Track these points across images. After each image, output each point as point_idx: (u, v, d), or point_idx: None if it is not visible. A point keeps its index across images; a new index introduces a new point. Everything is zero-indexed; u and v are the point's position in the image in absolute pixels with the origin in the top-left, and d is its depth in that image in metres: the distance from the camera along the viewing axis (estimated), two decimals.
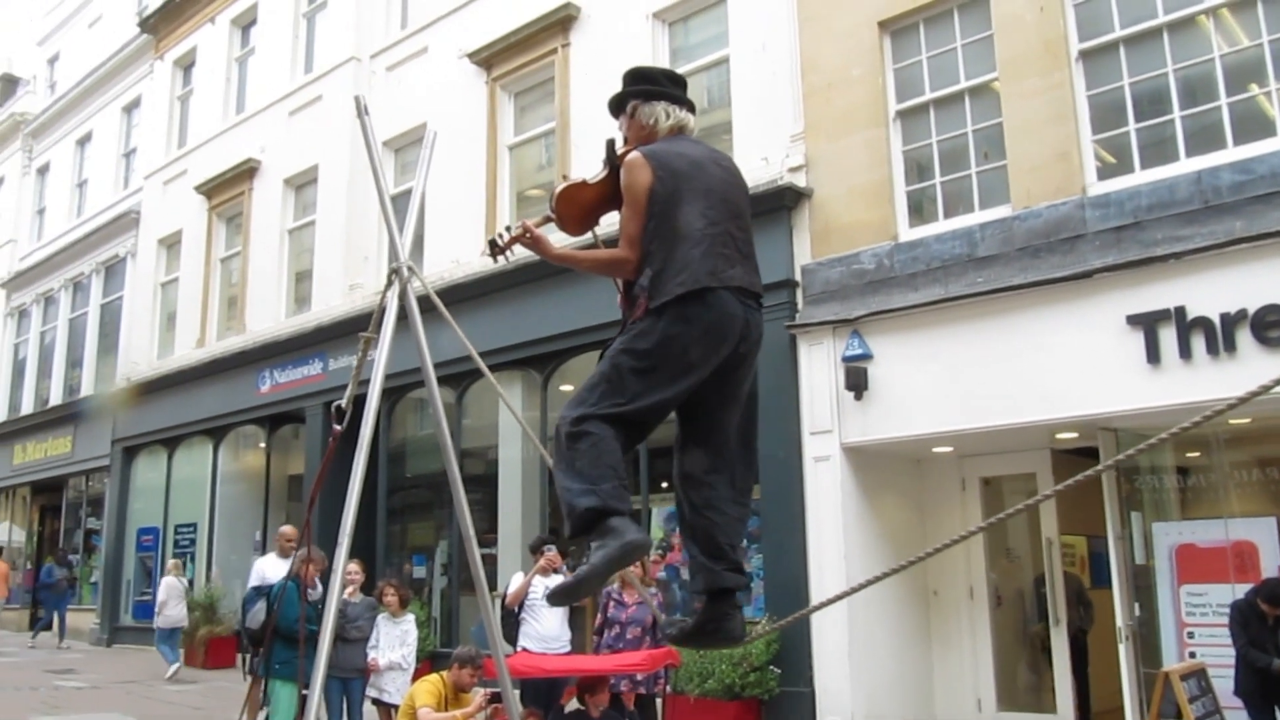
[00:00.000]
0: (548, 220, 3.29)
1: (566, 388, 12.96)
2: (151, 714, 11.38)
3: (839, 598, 3.14)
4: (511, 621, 8.09)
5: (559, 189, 3.27)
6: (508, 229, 3.26)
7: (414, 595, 11.00)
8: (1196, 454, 8.79)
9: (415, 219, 4.52)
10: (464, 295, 12.19)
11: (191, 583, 17.08)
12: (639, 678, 7.63)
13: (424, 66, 14.78)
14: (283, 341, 15.62)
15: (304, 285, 16.26)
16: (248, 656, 8.49)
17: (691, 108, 3.38)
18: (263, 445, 16.85)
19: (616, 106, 3.40)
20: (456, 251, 13.36)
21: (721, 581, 3.00)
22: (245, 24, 18.68)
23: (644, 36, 12.02)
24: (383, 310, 4.12)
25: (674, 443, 3.17)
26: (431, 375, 4.22)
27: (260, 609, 8.31)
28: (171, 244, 19.46)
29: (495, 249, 3.26)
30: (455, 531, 13.32)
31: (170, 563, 15.70)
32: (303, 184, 16.56)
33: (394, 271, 4.17)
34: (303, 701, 8.70)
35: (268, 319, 16.34)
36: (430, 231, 14.03)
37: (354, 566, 9.06)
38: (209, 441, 17.58)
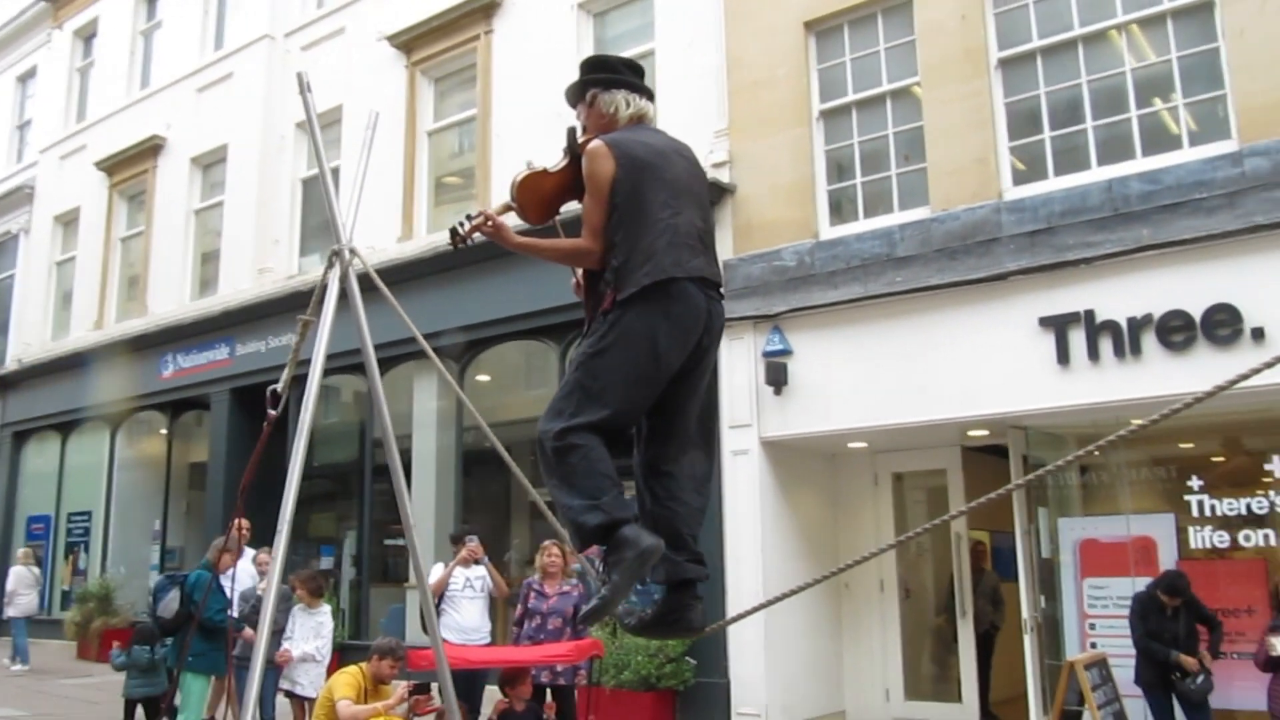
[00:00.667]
0: (508, 208, 3.24)
1: (483, 378, 12.88)
2: (45, 709, 10.98)
3: (783, 598, 3.16)
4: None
5: (520, 177, 3.22)
6: (469, 217, 3.19)
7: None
8: (1098, 453, 9.11)
9: (357, 200, 4.41)
10: (382, 280, 11.98)
11: (85, 573, 16.54)
12: (559, 669, 7.61)
13: (341, 47, 14.49)
14: (187, 325, 15.16)
15: (210, 267, 15.80)
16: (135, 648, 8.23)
17: (651, 96, 3.36)
18: (164, 432, 16.34)
19: (575, 94, 3.37)
20: (371, 238, 13.11)
21: (683, 572, 3.00)
22: None
23: (568, 27, 11.98)
24: (323, 292, 4.02)
25: (634, 433, 3.16)
26: (372, 358, 4.16)
27: (174, 598, 8.06)
28: (68, 221, 18.73)
29: (455, 237, 3.20)
30: (365, 522, 13.13)
31: (20, 551, 15.37)
32: (211, 163, 16.09)
33: (335, 253, 4.08)
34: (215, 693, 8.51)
35: (171, 302, 15.85)
36: (346, 218, 13.74)
37: (264, 557, 8.88)
38: (106, 427, 16.98)
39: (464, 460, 12.40)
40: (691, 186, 3.18)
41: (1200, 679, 7.16)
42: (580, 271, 3.38)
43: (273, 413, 4.20)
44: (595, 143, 3.09)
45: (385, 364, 12.54)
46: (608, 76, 3.32)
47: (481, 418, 4.36)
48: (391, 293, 4.43)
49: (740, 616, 3.48)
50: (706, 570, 3.08)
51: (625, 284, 2.93)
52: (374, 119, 4.66)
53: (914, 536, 3.15)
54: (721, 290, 3.16)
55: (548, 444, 2.90)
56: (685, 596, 3.04)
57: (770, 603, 3.32)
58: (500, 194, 12.03)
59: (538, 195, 3.24)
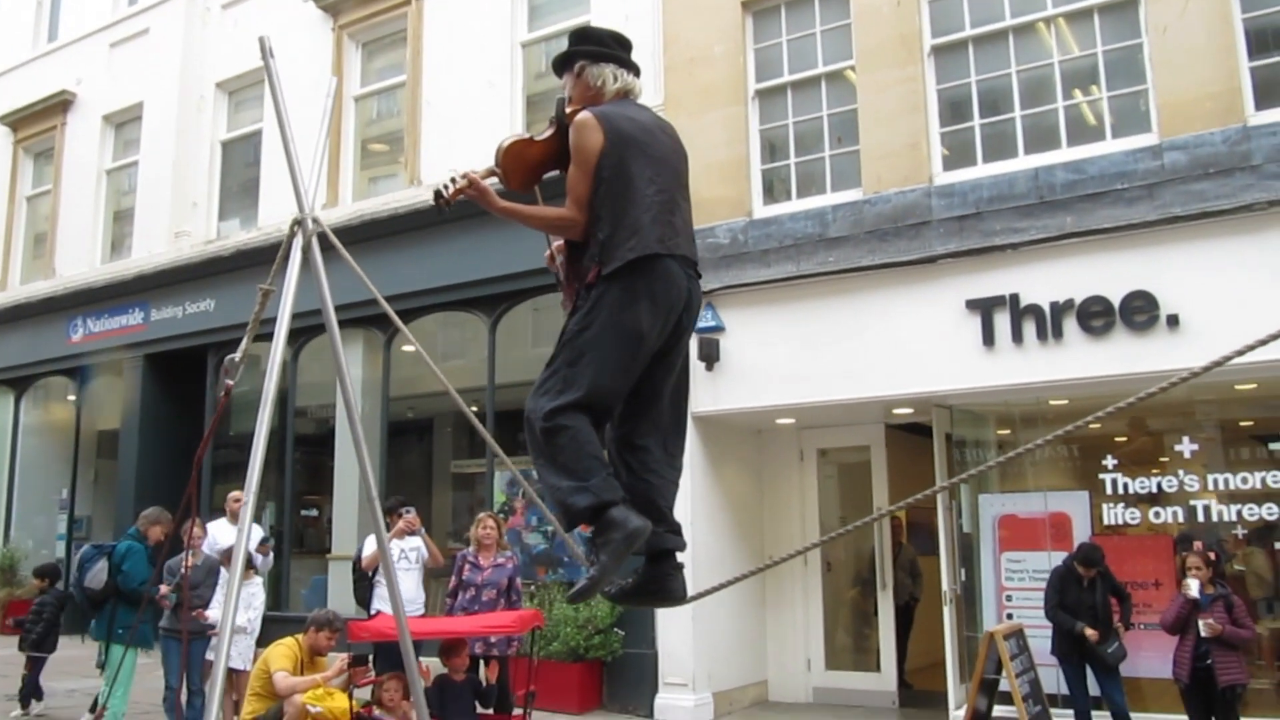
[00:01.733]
0: (492, 173, 3.24)
1: (408, 348, 12.75)
2: None
3: (766, 568, 3.26)
4: (365, 585, 7.96)
5: (506, 143, 3.23)
6: (453, 180, 3.16)
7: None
8: (1007, 431, 9.43)
9: (319, 169, 4.35)
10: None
11: None
12: (492, 640, 7.65)
13: (263, 6, 14.13)
14: (98, 289, 14.70)
15: (123, 229, 15.32)
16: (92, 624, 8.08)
17: (638, 72, 3.38)
18: (72, 398, 15.84)
19: (562, 65, 3.37)
20: (296, 205, 12.87)
21: (663, 543, 3.07)
22: None
23: None
24: (285, 261, 3.97)
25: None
26: (334, 325, 4.08)
27: (102, 568, 7.94)
28: None
29: (440, 199, 3.16)
30: (286, 493, 12.96)
31: None
32: (124, 122, 15.56)
33: (297, 222, 4.03)
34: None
35: (81, 264, 15.33)
36: (268, 183, 13.49)
37: (196, 530, 8.72)
38: (10, 392, 16.38)
39: (387, 427, 12.32)
40: (675, 165, 3.22)
41: (1114, 647, 7.51)
42: (555, 244, 3.43)
43: (229, 383, 4.13)
44: (584, 114, 3.10)
45: (309, 332, 12.35)
46: (596, 49, 3.32)
47: (450, 386, 4.29)
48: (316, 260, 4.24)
49: (720, 587, 3.56)
50: (684, 541, 3.15)
51: (611, 257, 2.97)
52: (332, 87, 4.60)
53: (878, 518, 3.27)
54: (699, 269, 3.22)
55: (536, 424, 2.92)
56: (666, 567, 3.11)
57: (757, 571, 3.42)
58: (430, 163, 11.97)
59: (522, 162, 3.25)
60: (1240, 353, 2.29)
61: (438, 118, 12.11)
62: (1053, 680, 8.02)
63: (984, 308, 8.38)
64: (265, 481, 13.73)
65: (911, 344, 8.63)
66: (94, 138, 15.65)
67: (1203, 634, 7.01)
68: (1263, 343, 2.25)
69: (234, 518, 9.25)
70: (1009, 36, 8.87)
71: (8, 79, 17.19)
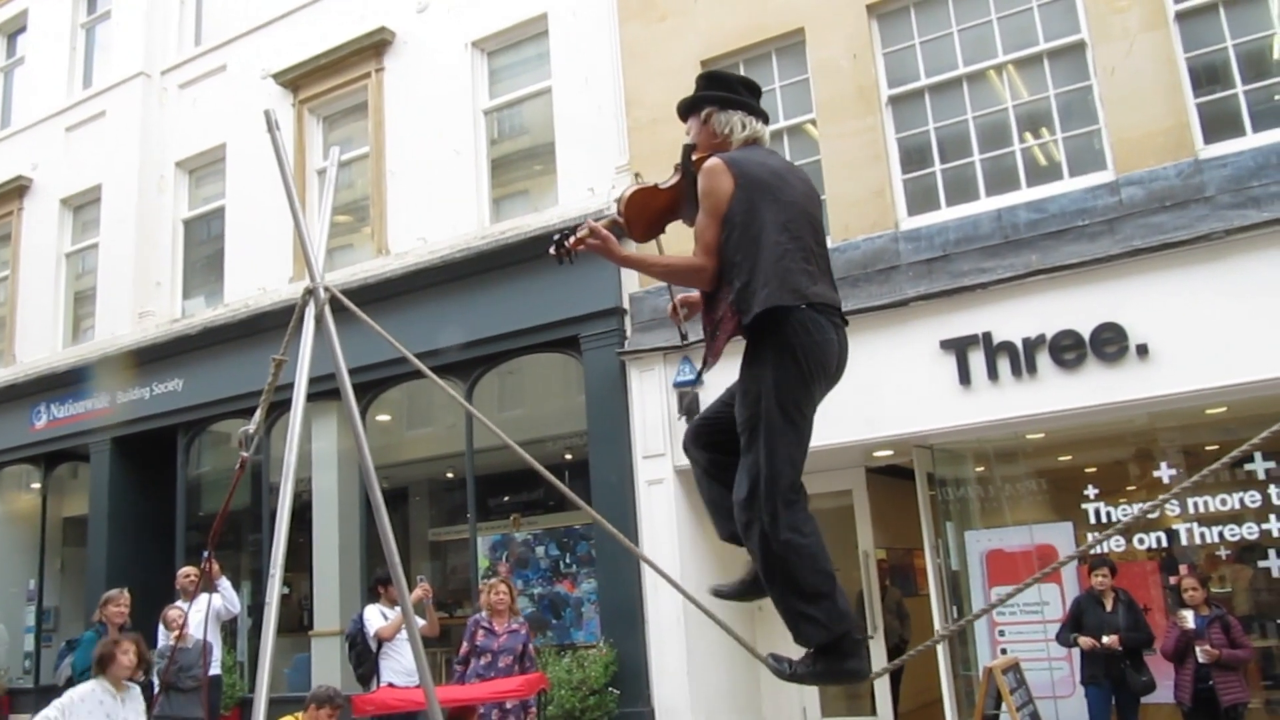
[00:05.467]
0: (614, 223, 3.15)
1: (383, 417, 12.71)
2: None
3: (979, 615, 3.25)
4: (370, 658, 7.85)
5: (629, 192, 3.14)
6: (572, 230, 3.09)
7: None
8: (982, 468, 9.56)
9: (323, 238, 4.39)
10: (273, 323, 11.76)
11: None
12: (508, 705, 7.54)
13: (222, 85, 14.18)
14: (61, 374, 14.50)
15: (84, 312, 15.17)
16: None
17: (766, 119, 3.30)
18: (37, 486, 15.53)
19: (688, 109, 3.29)
20: (262, 278, 12.88)
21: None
22: (12, 32, 17.30)
23: (463, 65, 12.03)
24: (298, 330, 3.98)
25: (716, 460, 3.27)
26: (349, 391, 4.09)
27: (66, 664, 7.86)
28: None
29: (561, 250, 3.08)
30: (264, 569, 12.74)
31: None
32: (82, 204, 15.47)
33: (309, 292, 4.05)
34: None
35: (42, 349, 15.13)
36: (233, 260, 13.47)
37: (174, 613, 8.56)
38: None
39: (365, 500, 12.20)
40: (808, 209, 3.13)
41: (1146, 677, 7.56)
42: (678, 296, 3.41)
43: (245, 455, 4.12)
44: (713, 160, 3.03)
45: (281, 407, 12.24)
46: (725, 95, 3.24)
47: (506, 436, 4.12)
48: (284, 334, 4.15)
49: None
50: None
51: (749, 305, 2.90)
52: (335, 155, 4.62)
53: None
54: (845, 315, 3.14)
55: (772, 541, 2.89)
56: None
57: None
58: (398, 232, 12.02)
59: (646, 211, 3.16)
60: None
61: (403, 187, 12.19)
62: (1051, 712, 8.08)
63: (958, 347, 8.55)
64: (237, 561, 13.56)
65: (888, 387, 8.74)
66: (52, 221, 15.53)
67: (1201, 660, 7.10)
68: None
69: (185, 594, 9.10)
70: (963, 84, 9.15)
71: None
